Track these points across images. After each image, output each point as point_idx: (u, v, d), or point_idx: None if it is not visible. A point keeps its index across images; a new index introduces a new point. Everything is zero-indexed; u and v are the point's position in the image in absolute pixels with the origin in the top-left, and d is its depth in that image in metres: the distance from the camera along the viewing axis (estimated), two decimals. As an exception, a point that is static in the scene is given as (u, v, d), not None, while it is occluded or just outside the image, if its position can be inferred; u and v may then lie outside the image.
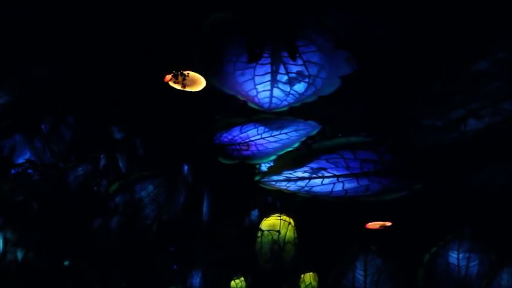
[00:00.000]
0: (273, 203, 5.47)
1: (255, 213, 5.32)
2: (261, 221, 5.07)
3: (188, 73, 3.76)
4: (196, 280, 4.36)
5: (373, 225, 5.85)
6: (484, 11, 2.18)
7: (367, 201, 4.62)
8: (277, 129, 3.89)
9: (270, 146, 4.16)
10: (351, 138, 3.52)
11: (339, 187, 4.31)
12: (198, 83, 4.04)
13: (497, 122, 2.67)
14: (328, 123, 3.69)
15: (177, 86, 4.01)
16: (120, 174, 4.30)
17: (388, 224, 5.78)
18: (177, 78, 3.70)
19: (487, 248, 5.21)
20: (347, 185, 4.27)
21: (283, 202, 5.19)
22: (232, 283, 4.78)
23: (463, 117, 2.62)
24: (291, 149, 4.16)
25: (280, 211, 4.97)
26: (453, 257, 5.25)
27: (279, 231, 4.77)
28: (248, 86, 3.60)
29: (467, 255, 5.21)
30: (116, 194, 3.95)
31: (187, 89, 4.02)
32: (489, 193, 4.49)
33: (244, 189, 5.27)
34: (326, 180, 4.26)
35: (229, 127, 3.86)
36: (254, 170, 4.97)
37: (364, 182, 4.19)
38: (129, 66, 4.35)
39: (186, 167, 5.03)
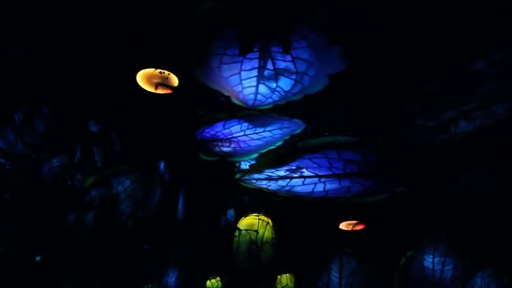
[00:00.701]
0: (250, 202, 5.40)
1: (232, 212, 5.23)
2: (238, 220, 4.99)
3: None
4: (172, 279, 4.24)
5: (346, 225, 5.84)
6: (485, 7, 2.16)
7: (347, 202, 4.59)
8: (261, 126, 3.81)
9: (253, 143, 4.08)
10: (337, 138, 3.46)
11: (320, 188, 4.25)
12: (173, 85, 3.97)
13: (487, 125, 2.65)
14: (314, 122, 3.63)
15: (149, 88, 3.94)
16: (96, 168, 4.15)
17: (361, 226, 5.78)
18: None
19: (462, 252, 5.24)
20: (328, 186, 4.21)
21: (261, 201, 5.11)
22: (208, 283, 4.68)
23: (454, 118, 2.59)
24: (273, 147, 4.10)
25: (259, 210, 4.90)
26: (428, 260, 5.27)
27: (257, 231, 4.70)
28: (233, 81, 3.51)
29: (442, 259, 5.24)
30: (92, 188, 3.81)
31: (159, 91, 3.95)
32: (468, 197, 4.52)
33: (222, 187, 5.18)
34: (307, 180, 4.20)
35: (212, 122, 3.76)
36: (233, 167, 4.89)
37: (345, 183, 4.14)
38: (108, 58, 4.22)
39: (163, 163, 4.91)
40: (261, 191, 4.80)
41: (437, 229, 5.18)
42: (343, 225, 5.85)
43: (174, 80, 3.96)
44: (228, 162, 4.70)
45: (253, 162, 4.68)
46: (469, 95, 2.51)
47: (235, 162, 4.74)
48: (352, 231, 5.92)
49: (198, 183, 5.12)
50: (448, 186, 3.90)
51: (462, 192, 4.23)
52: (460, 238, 5.14)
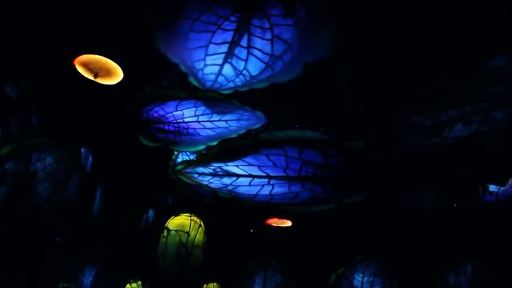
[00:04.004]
0: (176, 200, 4.90)
1: (159, 209, 4.69)
2: (166, 219, 4.45)
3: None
4: (89, 279, 3.62)
5: (274, 221, 5.51)
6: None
7: (290, 210, 4.28)
8: (218, 114, 3.37)
9: (203, 132, 3.61)
10: (306, 132, 3.11)
11: (266, 190, 3.88)
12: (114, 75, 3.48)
13: (481, 131, 2.47)
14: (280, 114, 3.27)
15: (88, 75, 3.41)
16: (11, 137, 3.44)
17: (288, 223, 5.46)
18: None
19: (391, 273, 5.14)
20: (276, 189, 3.86)
21: (193, 200, 4.61)
22: (128, 286, 4.09)
23: (453, 119, 2.37)
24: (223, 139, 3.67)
25: (191, 210, 4.41)
26: (358, 279, 5.11)
27: (188, 233, 4.20)
28: (197, 55, 3.06)
29: (371, 278, 5.10)
30: (6, 160, 3.11)
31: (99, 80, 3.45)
32: (409, 217, 4.41)
33: (150, 181, 4.64)
34: (255, 181, 3.81)
35: (164, 100, 3.24)
36: (168, 159, 4.38)
37: (295, 188, 3.82)
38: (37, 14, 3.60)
39: (84, 148, 4.28)
40: (193, 191, 4.36)
41: (372, 246, 5.05)
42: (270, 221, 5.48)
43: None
44: (163, 152, 4.20)
45: (193, 156, 4.21)
46: (474, 96, 2.31)
47: (173, 153, 4.24)
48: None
49: (123, 173, 4.55)
50: (402, 201, 3.72)
51: (409, 209, 4.09)
52: (392, 258, 5.04)
